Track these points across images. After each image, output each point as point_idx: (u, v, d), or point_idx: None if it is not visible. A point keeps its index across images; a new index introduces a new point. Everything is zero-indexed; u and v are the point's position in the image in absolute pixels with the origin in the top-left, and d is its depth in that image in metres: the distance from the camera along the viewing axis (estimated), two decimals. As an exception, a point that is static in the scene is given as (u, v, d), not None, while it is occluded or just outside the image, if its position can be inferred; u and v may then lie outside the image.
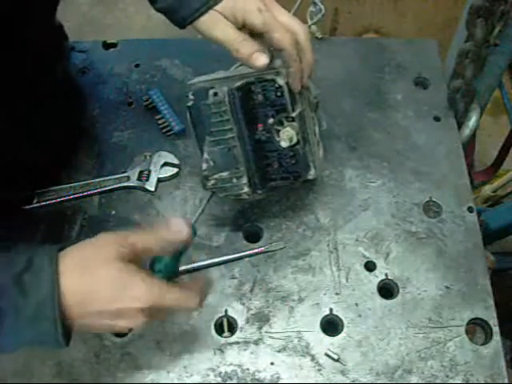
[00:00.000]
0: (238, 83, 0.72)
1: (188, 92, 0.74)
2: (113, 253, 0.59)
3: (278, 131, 0.74)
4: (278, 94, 0.71)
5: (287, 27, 0.69)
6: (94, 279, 0.58)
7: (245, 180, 0.76)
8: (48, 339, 0.57)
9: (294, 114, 0.73)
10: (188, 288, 0.64)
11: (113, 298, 0.58)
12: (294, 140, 0.74)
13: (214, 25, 0.69)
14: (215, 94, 0.72)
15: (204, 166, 0.76)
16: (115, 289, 0.58)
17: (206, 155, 0.76)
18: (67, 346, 0.59)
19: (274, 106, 0.73)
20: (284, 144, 0.74)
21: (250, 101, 0.73)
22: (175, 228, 0.63)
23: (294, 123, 0.73)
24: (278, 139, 0.74)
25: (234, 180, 0.76)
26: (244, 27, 0.70)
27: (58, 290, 0.56)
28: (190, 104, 0.75)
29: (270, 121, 0.73)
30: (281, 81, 0.71)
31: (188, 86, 0.74)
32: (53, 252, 0.58)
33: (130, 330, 0.71)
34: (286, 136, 0.73)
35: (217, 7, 0.69)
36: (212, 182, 0.77)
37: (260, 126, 0.74)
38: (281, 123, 0.74)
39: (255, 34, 0.70)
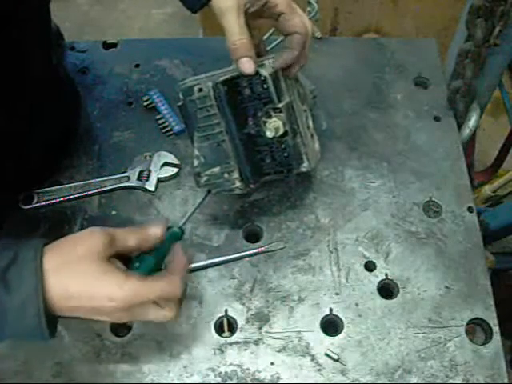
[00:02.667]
0: (223, 77, 0.72)
1: (178, 92, 0.75)
2: (94, 249, 0.59)
3: (266, 123, 0.74)
4: (264, 86, 0.72)
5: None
6: (74, 276, 0.59)
7: (236, 174, 0.76)
8: (32, 334, 0.58)
9: (280, 105, 0.73)
10: (169, 277, 0.63)
11: (89, 297, 0.59)
12: (281, 130, 0.73)
13: (230, 6, 0.68)
14: (200, 90, 0.72)
15: (195, 162, 0.77)
16: (91, 287, 0.59)
17: (196, 152, 0.76)
18: (52, 338, 0.60)
19: (261, 98, 0.73)
20: (269, 134, 0.73)
21: (238, 95, 0.73)
22: (153, 231, 0.65)
23: (281, 114, 0.73)
24: (265, 130, 0.74)
25: (226, 175, 0.76)
26: (265, 5, 0.70)
27: (42, 285, 0.56)
28: (180, 104, 0.75)
29: (259, 114, 0.74)
30: (264, 72, 0.71)
31: (178, 87, 0.75)
32: (38, 247, 0.58)
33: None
34: (272, 126, 0.73)
35: None
36: (204, 178, 0.77)
37: (250, 120, 0.74)
38: (268, 115, 0.74)
39: (264, 16, 0.73)
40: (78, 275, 0.59)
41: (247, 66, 0.69)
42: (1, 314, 0.56)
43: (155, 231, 0.65)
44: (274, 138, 0.74)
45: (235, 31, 0.68)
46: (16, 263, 0.57)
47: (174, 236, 0.70)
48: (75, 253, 0.60)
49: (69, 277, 0.59)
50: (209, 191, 0.79)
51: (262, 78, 0.71)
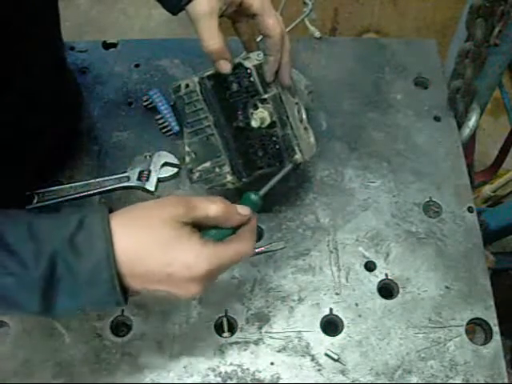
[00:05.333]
0: (209, 72, 0.73)
1: (171, 92, 0.75)
2: (168, 212, 0.57)
3: (253, 114, 0.74)
4: (251, 79, 0.72)
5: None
6: (146, 238, 0.56)
7: (227, 168, 0.76)
8: (106, 300, 0.56)
9: (265, 96, 0.73)
10: (241, 237, 0.62)
11: (164, 262, 0.56)
12: (267, 121, 0.73)
13: (205, 10, 0.69)
14: (187, 86, 0.73)
15: (187, 159, 0.77)
16: (166, 252, 0.56)
17: (187, 148, 0.77)
18: (126, 304, 0.58)
19: (248, 91, 0.73)
20: (255, 124, 0.73)
21: (226, 90, 0.74)
22: (242, 211, 0.62)
23: (268, 105, 0.73)
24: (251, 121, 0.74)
25: (217, 169, 0.77)
26: (240, 6, 0.71)
27: (112, 248, 0.54)
28: (172, 103, 0.76)
29: (248, 107, 0.74)
30: (248, 64, 0.71)
31: (170, 87, 0.75)
32: (104, 211, 0.57)
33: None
34: (258, 116, 0.73)
35: None
36: (197, 174, 0.78)
37: (239, 114, 0.74)
38: (255, 107, 0.74)
39: (242, 16, 0.74)
40: (152, 239, 0.56)
41: (223, 66, 0.71)
42: (73, 281, 0.54)
43: (244, 212, 0.62)
44: (260, 128, 0.74)
45: (207, 37, 0.70)
46: (83, 228, 0.55)
47: (252, 204, 0.66)
48: (147, 217, 0.57)
49: (141, 241, 0.56)
50: (297, 165, 0.76)
51: (248, 71, 0.71)
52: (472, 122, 0.95)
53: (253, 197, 0.66)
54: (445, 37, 1.08)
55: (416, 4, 1.73)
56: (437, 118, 0.96)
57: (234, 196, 0.86)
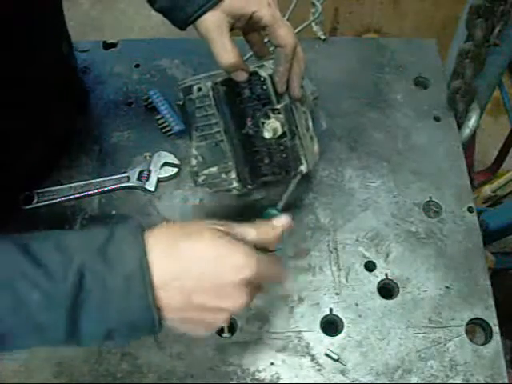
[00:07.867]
0: (222, 77, 0.72)
1: (178, 91, 0.75)
2: (206, 226, 0.55)
3: (264, 124, 0.74)
4: (264, 87, 0.72)
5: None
6: (185, 254, 0.52)
7: (233, 175, 0.76)
8: (139, 320, 0.51)
9: (278, 106, 0.72)
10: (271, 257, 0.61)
11: (211, 274, 0.51)
12: (279, 131, 0.73)
13: (214, 25, 0.69)
14: (199, 90, 0.73)
15: (193, 161, 0.77)
16: (212, 262, 0.52)
17: (194, 151, 0.76)
18: (160, 331, 0.53)
19: (260, 99, 0.73)
20: (267, 135, 0.73)
21: (237, 96, 0.73)
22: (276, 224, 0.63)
23: (280, 115, 0.73)
24: (263, 131, 0.74)
25: (223, 175, 0.76)
26: (251, 19, 0.70)
27: (146, 262, 0.50)
28: (180, 103, 0.76)
29: (258, 115, 0.74)
30: (263, 73, 0.71)
31: (178, 86, 0.75)
32: (136, 222, 0.53)
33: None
34: (270, 127, 0.73)
35: (225, 3, 0.68)
36: (202, 177, 0.77)
37: (249, 121, 0.74)
38: (267, 116, 0.74)
39: (253, 29, 0.73)
40: (193, 251, 0.52)
41: (239, 75, 0.71)
42: (102, 293, 0.50)
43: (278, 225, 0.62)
44: (272, 138, 0.74)
45: (220, 52, 0.69)
46: (113, 240, 0.51)
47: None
48: (184, 230, 0.53)
49: (180, 254, 0.52)
50: (302, 176, 0.77)
51: (262, 79, 0.71)
52: (472, 122, 0.95)
53: (274, 212, 0.70)
54: (445, 37, 1.08)
55: (416, 4, 1.73)
56: (437, 118, 0.96)
57: (237, 199, 0.87)
